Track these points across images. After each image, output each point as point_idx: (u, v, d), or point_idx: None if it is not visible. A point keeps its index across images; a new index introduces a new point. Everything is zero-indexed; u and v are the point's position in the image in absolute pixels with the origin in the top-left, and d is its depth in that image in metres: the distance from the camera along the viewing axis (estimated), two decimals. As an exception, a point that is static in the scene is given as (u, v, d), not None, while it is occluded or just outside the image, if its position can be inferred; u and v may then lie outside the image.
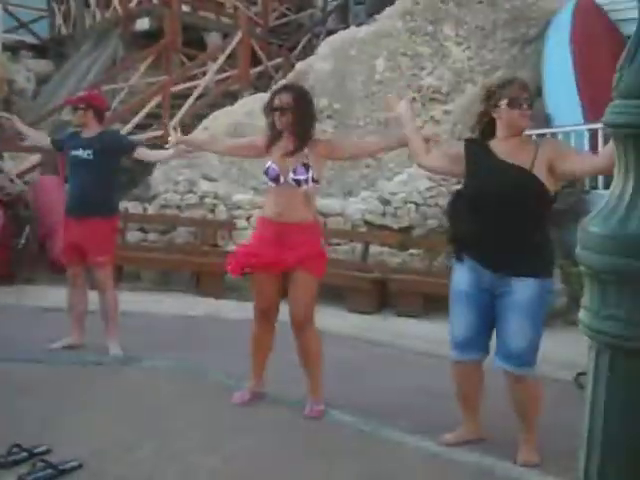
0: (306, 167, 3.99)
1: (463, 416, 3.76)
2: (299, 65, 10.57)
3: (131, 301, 6.46)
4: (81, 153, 5.07)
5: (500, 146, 3.51)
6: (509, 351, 3.41)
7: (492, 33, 10.75)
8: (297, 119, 4.00)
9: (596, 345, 1.58)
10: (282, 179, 3.99)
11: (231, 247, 8.24)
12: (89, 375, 4.63)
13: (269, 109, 4.07)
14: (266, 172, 4.06)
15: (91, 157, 5.03)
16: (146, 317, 6.37)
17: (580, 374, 4.89)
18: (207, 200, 8.44)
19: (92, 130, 5.17)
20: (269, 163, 4.04)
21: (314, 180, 4.04)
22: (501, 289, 3.43)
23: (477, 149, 3.59)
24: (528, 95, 3.49)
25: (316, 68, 10.23)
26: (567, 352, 5.73)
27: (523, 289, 3.38)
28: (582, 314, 1.62)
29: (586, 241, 1.58)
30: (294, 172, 3.97)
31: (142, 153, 5.33)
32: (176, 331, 6.02)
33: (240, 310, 6.97)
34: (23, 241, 7.89)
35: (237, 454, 3.49)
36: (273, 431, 3.83)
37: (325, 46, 10.65)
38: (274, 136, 4.08)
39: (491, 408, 3.84)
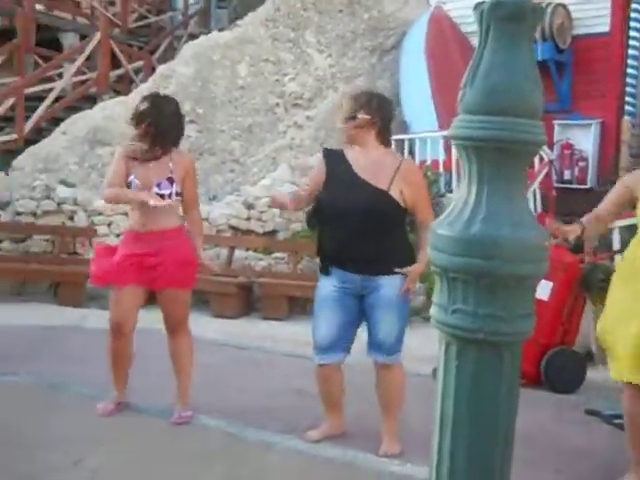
0: (170, 181, 3.97)
1: (326, 413, 3.89)
2: (161, 69, 10.42)
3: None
4: None
5: (360, 158, 3.65)
6: (380, 342, 3.62)
7: (352, 42, 11.07)
8: (155, 129, 3.94)
9: (445, 337, 1.70)
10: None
11: (91, 255, 8.01)
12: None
13: (131, 118, 4.03)
14: (129, 186, 3.98)
15: None
16: (1, 329, 6.08)
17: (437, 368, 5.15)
18: (65, 206, 8.14)
19: None
20: (131, 177, 3.96)
21: (178, 194, 4.02)
22: (368, 289, 3.61)
23: (334, 160, 3.74)
24: (350, 108, 3.65)
25: (178, 72, 10.13)
26: (427, 348, 5.99)
27: (388, 286, 3.59)
28: (433, 309, 1.74)
29: (435, 242, 1.70)
30: (158, 187, 3.93)
31: None
32: (34, 343, 5.77)
33: (102, 319, 6.76)
34: None
35: (104, 466, 3.43)
36: (139, 440, 3.79)
37: (187, 50, 10.56)
38: (138, 147, 4.02)
39: (354, 404, 3.98)
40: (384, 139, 3.71)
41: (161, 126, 3.95)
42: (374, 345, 3.66)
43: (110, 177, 4.07)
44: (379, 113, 3.66)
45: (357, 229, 3.54)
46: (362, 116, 3.62)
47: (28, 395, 4.37)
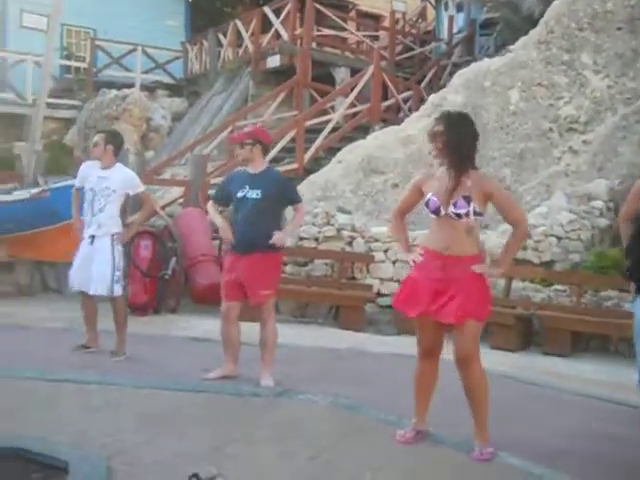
0: (467, 200, 3.87)
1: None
2: (432, 97, 10.56)
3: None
4: (249, 193, 5.09)
5: None
6: None
7: (633, 60, 10.38)
8: (449, 147, 3.89)
9: None
10: (442, 211, 3.91)
11: (369, 280, 8.24)
12: (248, 406, 4.67)
13: (429, 137, 4.04)
14: (426, 204, 3.98)
15: (259, 197, 5.06)
16: (289, 349, 6.38)
17: None
18: (344, 233, 8.47)
19: (258, 166, 5.20)
20: (429, 195, 3.98)
21: (477, 213, 3.93)
22: None
23: None
24: None
25: (449, 100, 10.18)
26: None
27: None
28: None
29: None
30: (454, 205, 3.87)
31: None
32: (321, 364, 6.03)
33: (382, 344, 6.95)
34: (169, 272, 8.14)
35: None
36: (440, 473, 3.74)
37: (458, 78, 10.60)
38: (432, 174, 4.03)
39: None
40: None
41: (454, 142, 3.89)
42: None
43: (399, 204, 4.27)
44: None
45: None
46: None
47: (328, 416, 4.51)
